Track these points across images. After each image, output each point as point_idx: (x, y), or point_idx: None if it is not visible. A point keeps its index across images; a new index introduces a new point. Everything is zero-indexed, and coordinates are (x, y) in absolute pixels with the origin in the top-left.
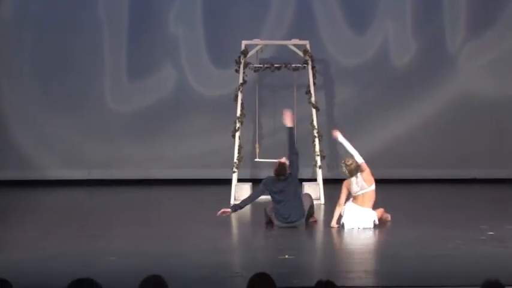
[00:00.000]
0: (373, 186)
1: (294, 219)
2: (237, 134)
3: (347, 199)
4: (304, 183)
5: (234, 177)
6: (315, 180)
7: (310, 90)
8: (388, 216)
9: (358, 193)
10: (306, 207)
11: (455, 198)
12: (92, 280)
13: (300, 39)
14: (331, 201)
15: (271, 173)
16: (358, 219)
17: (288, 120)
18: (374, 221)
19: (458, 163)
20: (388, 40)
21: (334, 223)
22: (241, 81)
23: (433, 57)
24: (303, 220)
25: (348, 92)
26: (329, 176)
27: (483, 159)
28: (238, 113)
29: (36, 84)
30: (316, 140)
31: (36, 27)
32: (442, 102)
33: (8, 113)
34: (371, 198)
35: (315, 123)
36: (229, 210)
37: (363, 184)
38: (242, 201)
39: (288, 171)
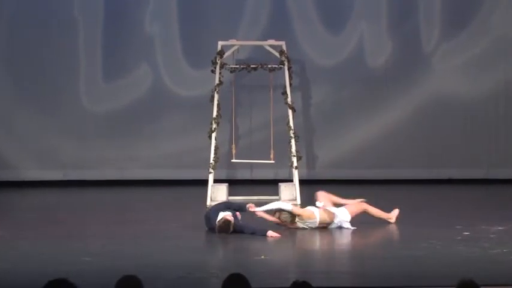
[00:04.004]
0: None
1: None
2: (213, 135)
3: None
4: (280, 183)
5: (211, 177)
6: (291, 180)
7: (286, 91)
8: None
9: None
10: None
11: (431, 198)
12: (68, 281)
13: (276, 39)
14: (307, 201)
15: (247, 173)
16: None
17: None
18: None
19: (433, 163)
20: (363, 40)
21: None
22: (217, 81)
23: (408, 57)
24: None
25: (324, 93)
26: (305, 176)
27: (458, 160)
28: (215, 113)
29: (9, 83)
30: (293, 141)
31: (10, 25)
32: (417, 102)
33: None
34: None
35: (291, 124)
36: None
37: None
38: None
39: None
